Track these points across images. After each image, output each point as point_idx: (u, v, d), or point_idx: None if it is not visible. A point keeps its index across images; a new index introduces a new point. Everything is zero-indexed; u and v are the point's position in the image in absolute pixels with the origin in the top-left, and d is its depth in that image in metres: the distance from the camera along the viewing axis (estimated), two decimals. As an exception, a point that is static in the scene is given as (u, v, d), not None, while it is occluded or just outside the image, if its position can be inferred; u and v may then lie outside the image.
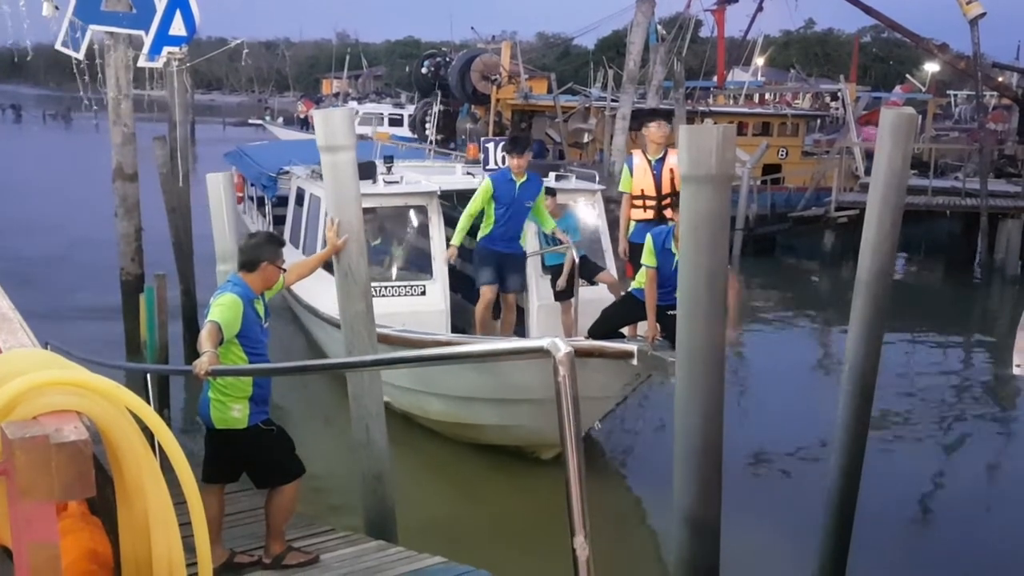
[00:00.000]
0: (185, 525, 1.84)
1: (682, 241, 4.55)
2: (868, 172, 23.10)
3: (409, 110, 38.18)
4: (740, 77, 40.44)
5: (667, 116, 8.66)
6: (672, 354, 6.10)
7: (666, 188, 7.99)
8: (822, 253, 20.82)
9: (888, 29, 30.37)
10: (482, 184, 8.30)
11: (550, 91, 28.55)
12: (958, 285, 20.33)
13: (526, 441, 7.97)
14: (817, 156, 26.15)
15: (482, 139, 10.11)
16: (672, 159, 7.93)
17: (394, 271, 9.64)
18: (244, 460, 5.07)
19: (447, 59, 34.56)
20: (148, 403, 1.80)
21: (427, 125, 24.89)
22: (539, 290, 9.33)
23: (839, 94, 30.59)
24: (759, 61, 44.64)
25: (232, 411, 4.90)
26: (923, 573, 6.90)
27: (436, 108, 19.31)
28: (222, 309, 4.78)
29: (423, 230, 9.57)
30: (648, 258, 6.88)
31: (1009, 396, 11.79)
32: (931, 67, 44.90)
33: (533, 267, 9.21)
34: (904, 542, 7.48)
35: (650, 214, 8.15)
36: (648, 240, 6.92)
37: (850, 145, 23.96)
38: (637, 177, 8.18)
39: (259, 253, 5.03)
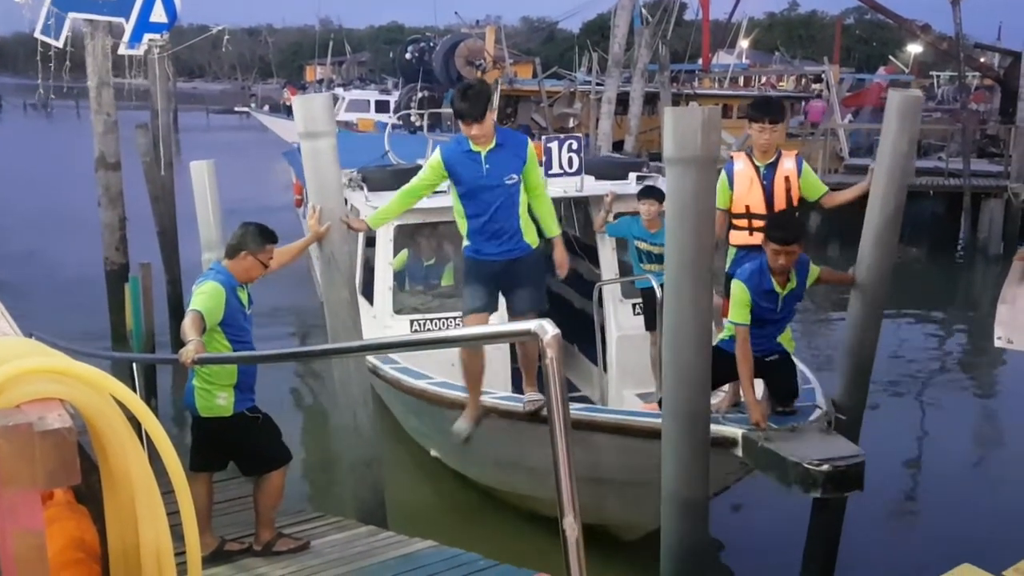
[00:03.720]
0: (174, 514, 1.84)
1: (669, 223, 4.55)
2: (852, 154, 23.25)
3: (395, 96, 38.03)
4: (725, 60, 40.45)
5: (778, 111, 6.22)
6: (800, 453, 4.79)
7: (779, 203, 6.01)
8: (808, 235, 20.88)
9: (871, 10, 30.38)
10: (430, 158, 5.90)
11: (535, 76, 28.51)
12: (941, 265, 20.44)
13: (598, 519, 6.07)
14: (802, 138, 26.20)
15: (544, 138, 8.27)
16: (787, 164, 6.04)
17: (440, 300, 8.11)
18: (231, 448, 5.07)
19: (431, 44, 34.46)
20: (134, 392, 1.80)
21: (411, 112, 24.72)
22: (618, 317, 7.89)
23: (823, 76, 30.64)
24: (744, 44, 44.65)
25: (217, 399, 4.89)
26: (913, 547, 6.96)
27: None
28: (203, 298, 4.77)
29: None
30: (739, 312, 5.17)
31: (992, 372, 11.89)
32: (914, 48, 45.04)
33: (610, 293, 7.88)
34: (894, 516, 7.55)
35: (758, 238, 5.91)
36: (737, 288, 5.21)
37: (834, 127, 24.01)
38: (740, 188, 6.00)
39: (242, 242, 5.01)
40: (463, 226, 5.76)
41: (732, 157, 6.20)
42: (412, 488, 7.63)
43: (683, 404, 4.53)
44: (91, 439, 1.74)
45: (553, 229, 5.82)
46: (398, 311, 7.80)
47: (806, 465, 4.72)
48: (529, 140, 5.73)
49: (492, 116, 5.53)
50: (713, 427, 5.00)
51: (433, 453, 7.56)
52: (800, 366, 6.07)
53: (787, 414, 5.34)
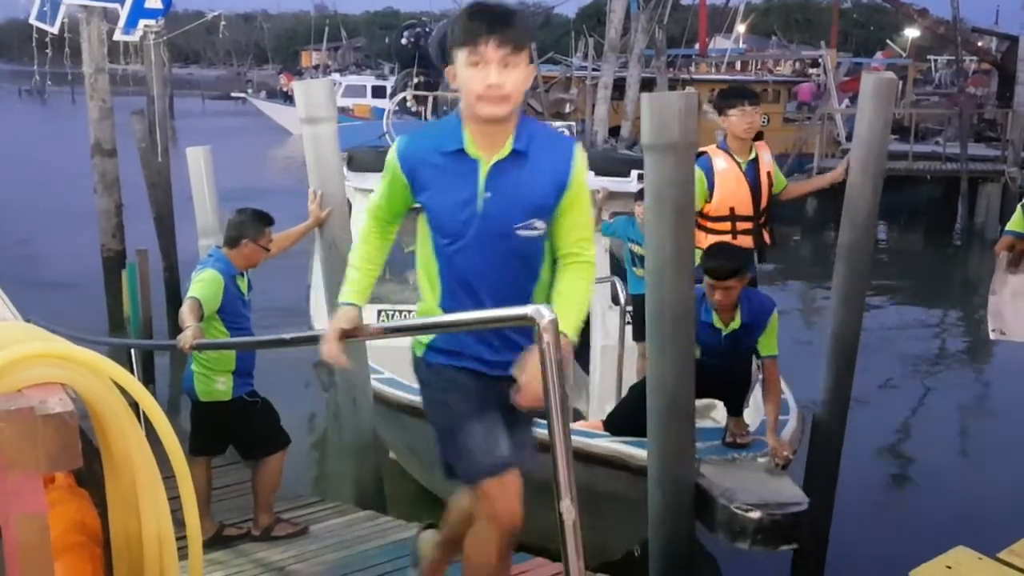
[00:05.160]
0: (174, 499, 1.85)
1: (648, 212, 4.31)
2: (849, 138, 23.23)
3: (392, 81, 37.96)
4: (722, 44, 40.34)
5: (751, 93, 5.83)
6: (730, 493, 4.14)
7: (764, 202, 5.62)
8: (804, 219, 20.90)
9: (869, -6, 30.31)
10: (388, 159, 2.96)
11: (531, 61, 28.38)
12: (939, 249, 20.49)
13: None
14: (799, 122, 26.18)
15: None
16: (766, 157, 5.68)
17: (413, 290, 7.26)
18: (229, 432, 5.10)
19: (427, 29, 34.29)
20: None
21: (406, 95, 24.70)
22: (606, 325, 7.43)
23: (820, 60, 30.58)
24: (740, 28, 44.50)
25: (216, 383, 4.93)
26: (906, 531, 7.00)
27: None
28: (202, 285, 4.80)
29: None
30: None
31: (987, 356, 11.93)
32: (911, 32, 44.94)
33: (597, 298, 7.15)
34: (887, 502, 7.60)
35: (745, 240, 5.49)
36: None
37: (831, 111, 23.99)
38: (725, 188, 5.38)
39: (242, 231, 5.04)
40: (430, 289, 2.97)
41: (708, 153, 5.46)
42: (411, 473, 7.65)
43: (670, 385, 4.32)
44: (92, 423, 1.75)
45: (569, 326, 2.75)
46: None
47: (734, 508, 4.02)
48: (578, 146, 2.91)
49: (531, 72, 2.91)
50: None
51: (391, 455, 7.03)
52: (786, 394, 5.60)
53: (737, 447, 4.69)
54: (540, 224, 2.84)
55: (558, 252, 2.93)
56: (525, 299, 2.81)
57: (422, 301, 3.02)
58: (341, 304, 2.98)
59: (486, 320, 2.70)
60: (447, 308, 2.91)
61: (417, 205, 2.95)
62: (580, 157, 2.85)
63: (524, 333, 2.66)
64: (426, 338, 3.04)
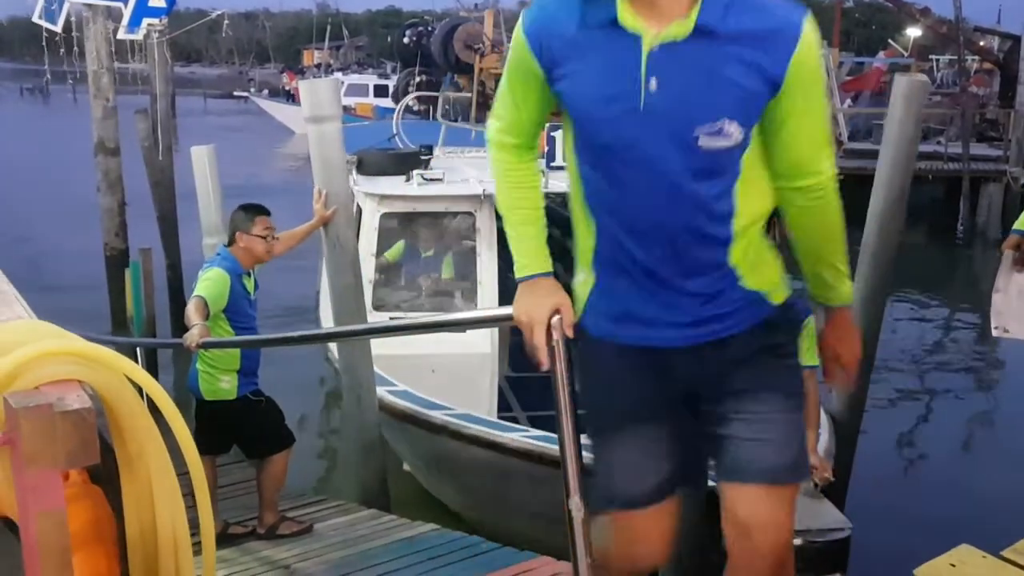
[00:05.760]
0: (186, 495, 1.86)
1: None
2: (851, 138, 23.22)
3: (394, 80, 38.01)
4: (723, 44, 40.28)
5: None
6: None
7: None
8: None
9: (871, -6, 30.31)
10: (515, 39, 2.07)
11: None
12: (941, 249, 20.46)
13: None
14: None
15: (547, 125, 7.34)
16: None
17: (426, 298, 7.39)
18: (234, 431, 5.12)
19: (429, 28, 34.38)
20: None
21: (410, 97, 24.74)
22: None
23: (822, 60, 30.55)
24: (742, 27, 44.44)
25: (221, 382, 4.94)
26: (910, 529, 7.01)
27: None
28: (208, 284, 4.81)
29: (468, 243, 7.31)
30: None
31: (991, 355, 11.93)
32: (913, 32, 44.78)
33: None
34: (891, 501, 7.60)
35: None
36: None
37: (834, 111, 23.96)
38: None
39: (234, 226, 5.07)
40: (582, 239, 2.17)
41: None
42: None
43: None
44: (107, 420, 1.76)
45: (841, 286, 2.34)
46: (378, 307, 7.07)
47: None
48: (807, 21, 1.94)
49: None
50: None
51: (405, 467, 6.99)
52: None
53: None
54: (734, 129, 1.94)
55: (779, 177, 2.12)
56: (715, 232, 2.07)
57: (584, 238, 2.17)
58: (535, 276, 2.12)
59: (496, 319, 2.67)
60: (602, 243, 2.10)
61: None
62: (810, 26, 1.95)
63: (715, 281, 2.11)
64: (583, 291, 2.18)
